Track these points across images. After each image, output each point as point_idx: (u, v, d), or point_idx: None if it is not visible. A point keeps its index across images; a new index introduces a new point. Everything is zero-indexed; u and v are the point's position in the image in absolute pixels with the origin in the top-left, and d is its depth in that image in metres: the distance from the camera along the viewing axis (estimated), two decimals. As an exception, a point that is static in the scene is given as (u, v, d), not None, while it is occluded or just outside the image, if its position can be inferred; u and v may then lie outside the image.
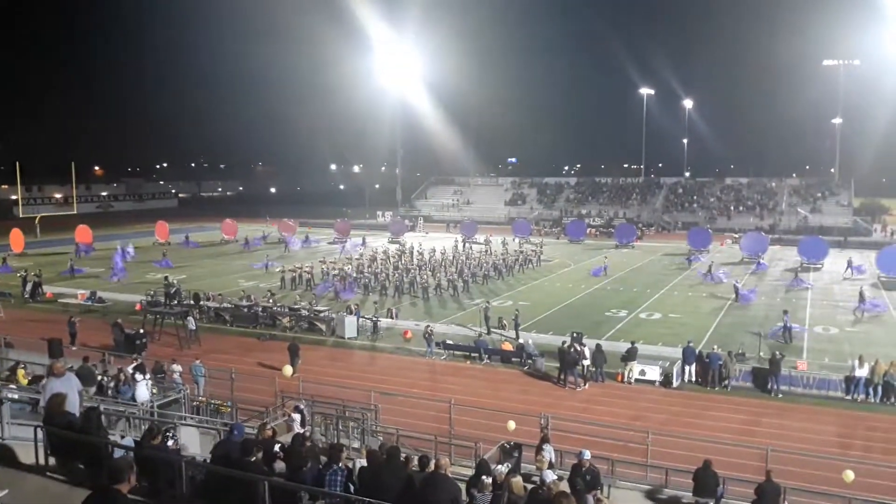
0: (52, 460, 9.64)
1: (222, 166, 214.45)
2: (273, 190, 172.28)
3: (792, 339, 29.72)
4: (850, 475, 15.12)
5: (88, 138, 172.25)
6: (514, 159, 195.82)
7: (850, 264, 47.16)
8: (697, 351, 25.71)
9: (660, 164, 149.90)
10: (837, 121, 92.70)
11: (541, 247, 57.25)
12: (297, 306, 34.57)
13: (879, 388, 22.98)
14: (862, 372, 23.15)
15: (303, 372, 24.04)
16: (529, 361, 26.99)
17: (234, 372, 22.32)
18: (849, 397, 23.22)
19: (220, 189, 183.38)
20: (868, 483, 15.38)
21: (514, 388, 24.82)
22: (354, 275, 43.63)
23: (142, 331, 29.46)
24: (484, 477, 10.25)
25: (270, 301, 35.34)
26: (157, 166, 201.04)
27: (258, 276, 47.52)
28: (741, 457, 17.21)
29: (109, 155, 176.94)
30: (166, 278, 41.19)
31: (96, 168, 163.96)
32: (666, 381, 24.86)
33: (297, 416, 17.05)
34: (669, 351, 27.87)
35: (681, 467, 15.82)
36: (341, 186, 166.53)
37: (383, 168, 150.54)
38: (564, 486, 11.68)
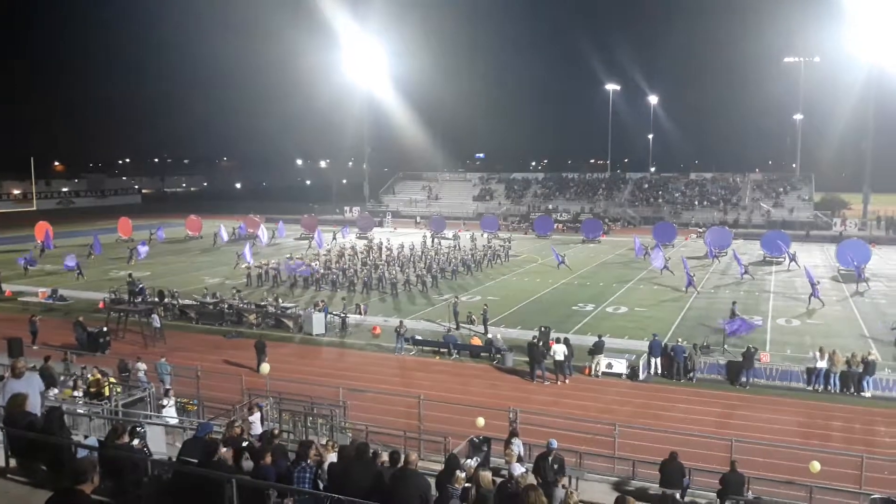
0: (12, 462, 9.45)
1: (186, 161, 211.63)
2: (238, 185, 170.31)
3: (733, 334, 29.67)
4: (816, 466, 15.46)
5: (48, 133, 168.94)
6: (482, 155, 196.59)
7: (792, 257, 48.78)
8: (663, 344, 26.05)
9: (626, 160, 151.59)
10: (798, 117, 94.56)
11: (509, 242, 57.49)
12: (263, 303, 34.28)
13: (837, 379, 23.55)
14: (822, 363, 23.66)
15: (270, 369, 23.83)
16: (498, 356, 27.11)
17: (200, 370, 22.07)
18: (810, 388, 23.74)
19: (184, 184, 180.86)
20: (828, 472, 15.73)
21: (483, 383, 24.90)
22: (322, 271, 43.39)
23: (105, 329, 28.99)
24: (458, 472, 10.30)
25: (236, 298, 35.02)
26: (120, 161, 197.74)
27: (224, 273, 47.05)
28: (706, 448, 17.52)
29: (70, 150, 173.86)
30: (130, 275, 40.56)
31: (56, 163, 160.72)
32: (632, 374, 25.15)
33: (256, 416, 16.87)
34: (636, 344, 28.22)
35: (647, 459, 16.04)
36: (308, 181, 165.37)
37: (350, 163, 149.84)
38: (532, 479, 11.78)
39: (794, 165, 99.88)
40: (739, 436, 17.28)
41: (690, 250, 57.26)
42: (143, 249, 52.51)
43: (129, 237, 65.19)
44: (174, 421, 17.68)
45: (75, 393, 18.84)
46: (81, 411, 16.64)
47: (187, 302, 35.17)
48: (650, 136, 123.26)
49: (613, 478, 16.06)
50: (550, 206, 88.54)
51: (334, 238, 61.76)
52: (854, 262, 43.30)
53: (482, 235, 64.70)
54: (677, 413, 21.84)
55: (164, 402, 18.67)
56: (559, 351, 25.06)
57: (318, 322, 31.44)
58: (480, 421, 17.89)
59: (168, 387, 19.91)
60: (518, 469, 12.51)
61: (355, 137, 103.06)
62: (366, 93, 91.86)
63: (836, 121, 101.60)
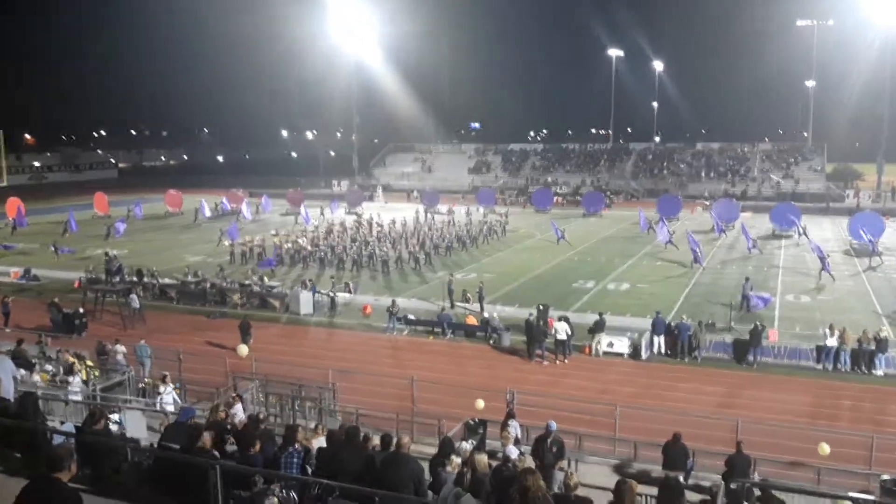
0: (-15, 449, 9.48)
1: (164, 134, 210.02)
2: (220, 158, 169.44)
3: (750, 309, 30.05)
4: (825, 448, 15.61)
5: (17, 105, 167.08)
6: (477, 125, 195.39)
7: (802, 231, 48.74)
8: (667, 321, 26.16)
9: (629, 129, 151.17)
10: (811, 83, 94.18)
11: (506, 217, 57.50)
12: (248, 282, 34.28)
13: (848, 357, 23.71)
14: (832, 341, 23.81)
15: (256, 351, 23.91)
16: (495, 336, 27.22)
17: (182, 352, 22.12)
18: (819, 366, 23.90)
19: (162, 158, 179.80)
20: (837, 452, 15.90)
21: (478, 364, 25.04)
22: (309, 248, 43.37)
23: (81, 310, 28.98)
24: (453, 456, 10.37)
25: (219, 276, 35.01)
26: (95, 134, 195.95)
27: (206, 251, 46.98)
28: (711, 429, 17.66)
29: (41, 122, 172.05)
30: (106, 253, 40.44)
31: (27, 136, 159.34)
32: (634, 353, 25.30)
33: (237, 407, 16.83)
34: (638, 322, 28.32)
35: (650, 441, 16.17)
36: (293, 154, 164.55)
37: (338, 134, 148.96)
38: (530, 462, 11.89)
39: (805, 134, 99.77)
40: (746, 416, 17.43)
41: (696, 224, 57.31)
42: (121, 227, 52.34)
43: (105, 214, 64.94)
44: (171, 408, 17.65)
45: (70, 378, 18.81)
46: (76, 398, 16.71)
47: (168, 281, 35.19)
48: (655, 105, 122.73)
49: (614, 460, 16.19)
50: (549, 179, 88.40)
51: (322, 213, 61.65)
52: (867, 235, 43.43)
53: (478, 210, 64.68)
54: (681, 393, 22.02)
55: (162, 388, 18.64)
56: (561, 329, 25.13)
57: (305, 301, 31.48)
58: (480, 403, 17.97)
59: (165, 373, 19.85)
60: (515, 452, 12.63)
61: (343, 107, 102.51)
62: (354, 59, 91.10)
63: (850, 87, 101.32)
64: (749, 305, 30.16)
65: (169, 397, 18.27)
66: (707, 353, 25.17)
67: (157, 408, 17.65)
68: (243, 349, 23.57)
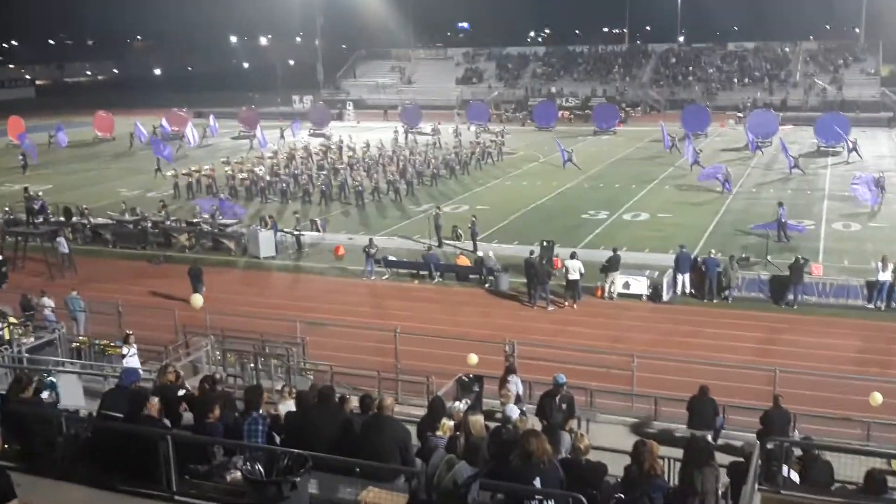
0: None
1: (90, 43, 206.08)
2: (157, 71, 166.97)
3: (789, 239, 30.52)
4: (877, 398, 15.83)
5: None
6: (465, 24, 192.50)
7: (853, 146, 48.69)
8: (692, 257, 26.29)
9: (647, 28, 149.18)
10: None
11: (502, 137, 57.17)
12: (196, 220, 34.15)
13: (904, 294, 23.95)
14: (886, 275, 23.96)
15: (210, 301, 23.89)
16: (490, 278, 27.34)
17: (122, 305, 22.13)
18: (871, 305, 24.16)
19: (88, 73, 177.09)
20: (891, 404, 16.06)
21: (472, 311, 25.24)
22: (268, 178, 43.10)
23: (-1, 257, 28.88)
24: (445, 419, 10.49)
25: (163, 214, 34.84)
26: (5, 45, 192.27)
27: (144, 183, 46.63)
28: (745, 381, 17.91)
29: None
30: (26, 189, 40.03)
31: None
32: (655, 294, 25.48)
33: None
34: (659, 258, 28.45)
35: (673, 396, 16.37)
36: (245, 64, 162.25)
37: (298, 39, 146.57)
38: (534, 423, 12.06)
39: (856, 30, 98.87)
40: (785, 365, 17.65)
41: (727, 141, 57.23)
42: (28, 144, 51.61)
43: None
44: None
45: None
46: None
47: (101, 221, 35.02)
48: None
49: (632, 419, 16.44)
50: (553, 90, 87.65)
51: (282, 136, 61.10)
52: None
53: (468, 129, 64.24)
54: (709, 340, 22.27)
55: (125, 350, 18.62)
56: (574, 268, 25.21)
57: (266, 242, 31.45)
58: (473, 359, 18.09)
59: (129, 331, 19.77)
60: (516, 412, 12.78)
61: (304, 6, 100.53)
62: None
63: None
64: (786, 235, 30.42)
65: (134, 360, 18.29)
66: (740, 292, 25.35)
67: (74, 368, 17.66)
68: (198, 300, 23.54)
